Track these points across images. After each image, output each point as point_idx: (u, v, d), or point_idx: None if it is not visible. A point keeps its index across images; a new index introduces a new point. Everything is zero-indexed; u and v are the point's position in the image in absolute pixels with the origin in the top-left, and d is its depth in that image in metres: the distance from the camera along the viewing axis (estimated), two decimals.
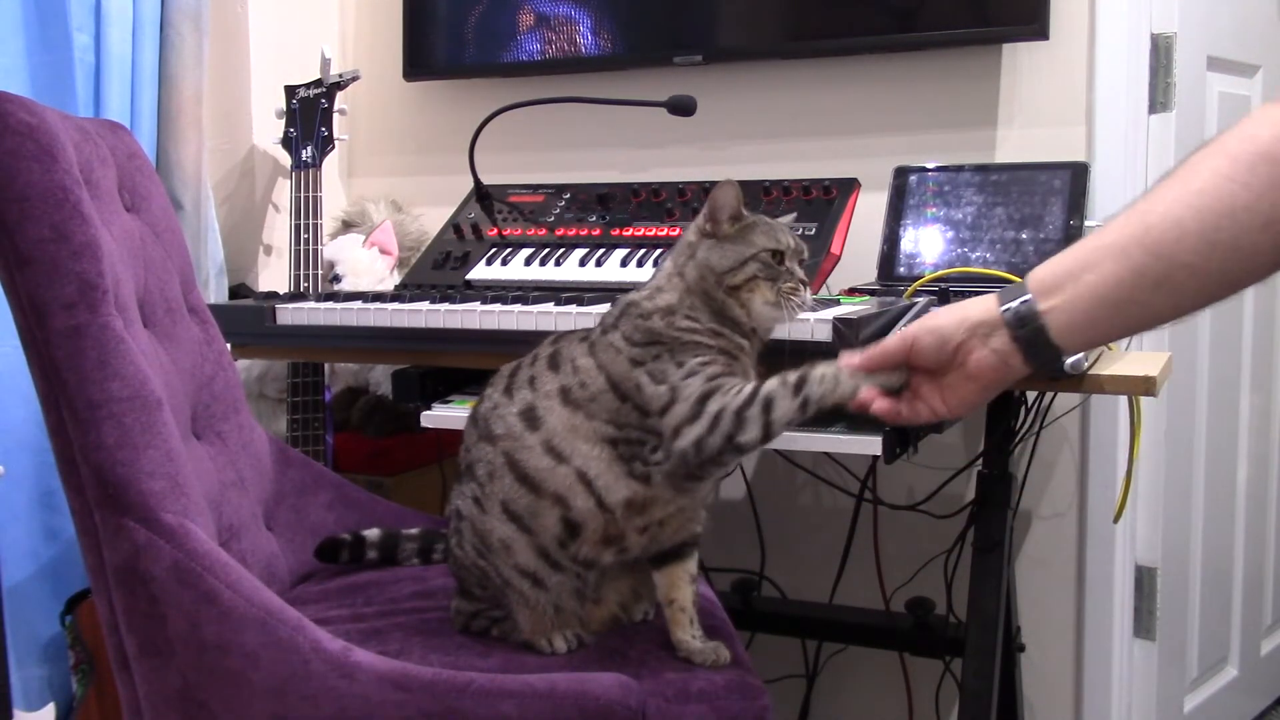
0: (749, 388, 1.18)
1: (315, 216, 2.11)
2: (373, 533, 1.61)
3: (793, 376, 1.18)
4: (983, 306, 1.08)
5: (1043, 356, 1.05)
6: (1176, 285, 0.97)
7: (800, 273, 1.28)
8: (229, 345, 1.62)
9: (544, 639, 1.30)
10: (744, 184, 1.95)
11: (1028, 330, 1.04)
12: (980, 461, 1.73)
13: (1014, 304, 1.05)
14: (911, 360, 1.13)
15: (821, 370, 1.17)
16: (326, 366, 2.12)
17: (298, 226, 2.10)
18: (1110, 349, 1.62)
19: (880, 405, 1.16)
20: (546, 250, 1.98)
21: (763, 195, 1.95)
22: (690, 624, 1.31)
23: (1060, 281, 1.03)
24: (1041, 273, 1.05)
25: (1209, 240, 0.94)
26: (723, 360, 1.23)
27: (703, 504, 1.34)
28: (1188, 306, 1.01)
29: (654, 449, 1.22)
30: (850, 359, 1.16)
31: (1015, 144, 2.07)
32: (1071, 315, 1.03)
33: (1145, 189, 1.00)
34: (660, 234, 1.94)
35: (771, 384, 1.18)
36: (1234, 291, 0.98)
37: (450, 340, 1.66)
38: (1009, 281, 1.72)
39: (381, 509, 1.73)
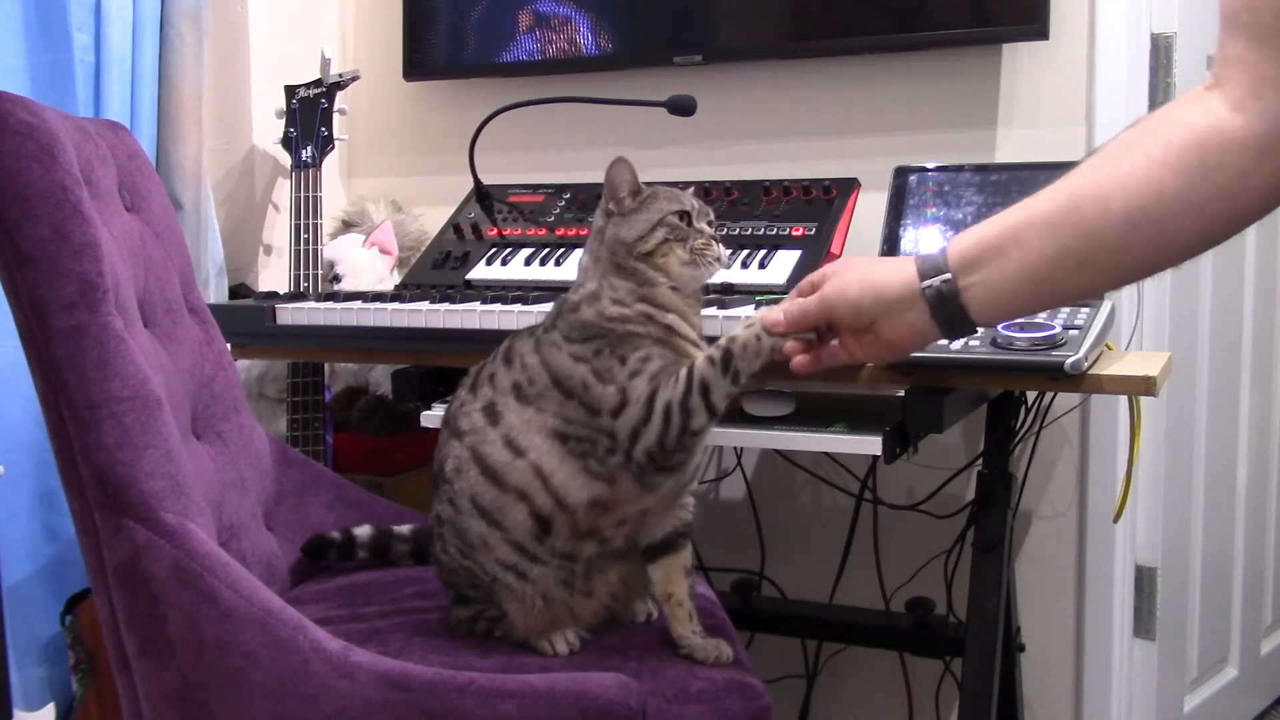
0: (683, 375, 1.22)
1: (315, 216, 2.11)
2: (363, 531, 1.61)
3: (718, 353, 1.22)
4: (900, 281, 1.09)
5: (959, 330, 1.08)
6: (1098, 266, 0.98)
7: (710, 230, 1.32)
8: (229, 345, 1.62)
9: (545, 641, 1.30)
10: (744, 184, 1.98)
11: (948, 308, 1.05)
12: (980, 461, 1.73)
13: (935, 282, 1.05)
14: (828, 322, 1.18)
15: (743, 339, 1.22)
16: (326, 366, 2.12)
17: (298, 226, 2.10)
18: (1110, 348, 1.62)
19: (800, 360, 1.22)
20: (546, 250, 1.98)
21: (763, 195, 1.95)
22: (689, 619, 1.31)
23: (983, 257, 1.03)
24: (964, 244, 1.05)
25: (1133, 223, 0.94)
26: (658, 351, 1.25)
27: (687, 491, 1.34)
28: (1103, 286, 1.03)
29: (610, 450, 1.24)
30: (771, 316, 1.21)
31: (1015, 144, 2.07)
32: (993, 293, 1.03)
33: (1079, 162, 1.00)
34: None
35: (701, 366, 1.22)
36: (1149, 275, 0.99)
37: (450, 340, 1.66)
38: None
39: (381, 509, 1.73)
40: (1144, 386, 1.42)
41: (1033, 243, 0.99)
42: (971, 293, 1.04)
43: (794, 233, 1.86)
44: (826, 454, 2.11)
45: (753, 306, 1.52)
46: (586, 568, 1.32)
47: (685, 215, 1.30)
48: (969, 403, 1.62)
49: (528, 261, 1.96)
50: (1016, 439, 1.79)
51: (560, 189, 2.12)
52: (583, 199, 2.08)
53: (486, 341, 1.61)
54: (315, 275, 2.08)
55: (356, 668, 1.17)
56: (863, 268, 1.16)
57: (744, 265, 1.80)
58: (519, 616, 1.30)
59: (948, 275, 1.05)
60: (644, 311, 1.26)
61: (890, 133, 2.16)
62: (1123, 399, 1.95)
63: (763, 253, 1.83)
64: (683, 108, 1.97)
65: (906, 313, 1.09)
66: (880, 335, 1.13)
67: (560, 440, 1.26)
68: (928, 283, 1.06)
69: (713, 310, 1.52)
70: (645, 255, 1.28)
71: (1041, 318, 1.49)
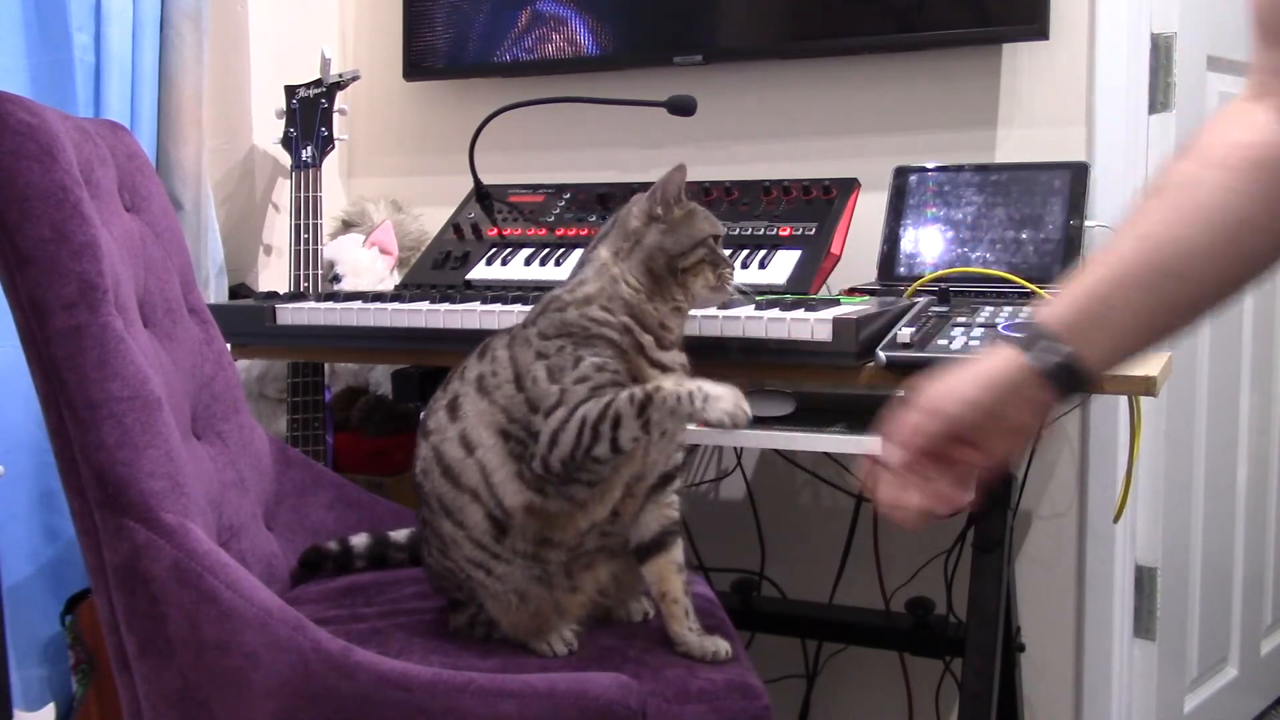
0: (606, 399, 1.21)
1: (315, 216, 2.11)
2: (360, 540, 1.61)
3: (640, 395, 1.20)
4: (1004, 363, 0.99)
5: (1078, 391, 1.01)
6: (1195, 302, 0.97)
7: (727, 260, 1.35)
8: (229, 345, 1.62)
9: (543, 642, 1.30)
10: (744, 184, 1.98)
11: (1064, 375, 0.99)
12: None
13: (1054, 360, 0.98)
14: (938, 438, 1.01)
15: (666, 393, 1.19)
16: (326, 366, 2.12)
17: (298, 226, 2.10)
18: None
19: (912, 513, 0.99)
20: (546, 250, 1.98)
21: (763, 195, 1.95)
22: (686, 616, 1.31)
23: (1086, 323, 0.98)
24: (1063, 316, 0.99)
25: (1222, 253, 0.93)
26: (615, 365, 1.24)
27: (671, 491, 1.34)
28: (1201, 317, 1.00)
29: (533, 455, 1.24)
30: (885, 451, 1.00)
31: (1015, 144, 2.07)
32: (1108, 356, 1.00)
33: (1134, 205, 0.98)
34: None
35: (623, 399, 1.20)
36: (1241, 294, 0.98)
37: (450, 340, 1.66)
38: (1009, 281, 1.73)
39: (381, 509, 1.73)
40: (1144, 386, 1.42)
41: (1134, 298, 0.97)
42: (1089, 362, 1.01)
43: (794, 233, 1.86)
44: (826, 454, 2.11)
45: (753, 306, 1.52)
46: (566, 567, 1.31)
47: (718, 240, 1.33)
48: None
49: (528, 261, 1.96)
50: None
51: (560, 189, 2.12)
52: (583, 199, 2.08)
53: None
54: (315, 275, 2.08)
55: (356, 668, 1.17)
56: (948, 375, 1.03)
57: (744, 265, 1.80)
58: (500, 614, 1.30)
59: (1067, 350, 1.00)
60: (626, 324, 1.27)
61: (890, 133, 2.16)
62: (1123, 399, 1.95)
63: (763, 253, 1.83)
64: (683, 108, 1.97)
65: (1023, 389, 1.02)
66: (1004, 423, 1.01)
67: (504, 438, 1.27)
68: (1045, 363, 1.01)
69: (713, 310, 1.51)
70: (681, 271, 1.30)
71: None
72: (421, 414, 1.37)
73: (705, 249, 1.31)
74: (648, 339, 1.28)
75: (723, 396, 1.19)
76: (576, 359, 1.24)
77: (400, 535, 1.63)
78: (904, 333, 1.47)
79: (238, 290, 2.24)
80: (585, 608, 1.34)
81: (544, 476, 1.24)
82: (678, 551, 1.34)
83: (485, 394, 1.28)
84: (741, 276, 1.77)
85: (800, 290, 1.74)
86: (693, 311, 1.38)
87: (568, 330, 1.27)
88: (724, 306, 1.56)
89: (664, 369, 1.28)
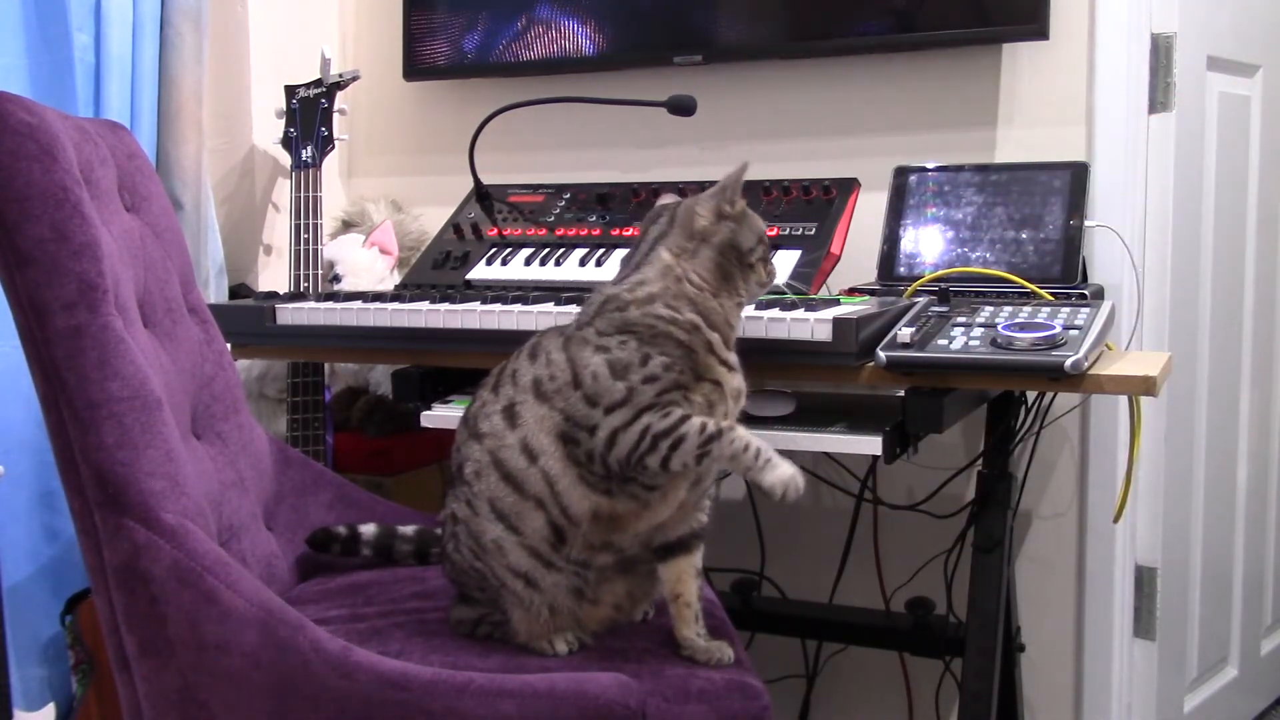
0: (677, 416, 1.21)
1: (315, 216, 2.11)
2: (368, 529, 1.61)
3: (712, 429, 1.21)
4: None
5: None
6: None
7: None
8: (229, 345, 1.62)
9: (545, 641, 1.30)
10: (744, 184, 1.96)
11: None
12: (980, 461, 1.73)
13: None
14: None
15: (739, 442, 1.20)
16: (326, 366, 2.12)
17: (298, 226, 2.10)
18: (1110, 348, 1.62)
19: None
20: (546, 250, 1.98)
21: (763, 195, 1.95)
22: (695, 620, 1.31)
23: None
24: None
25: None
26: (681, 365, 1.23)
27: (705, 495, 1.34)
28: None
29: (589, 454, 1.24)
30: None
31: (1015, 144, 2.07)
32: None
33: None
34: None
35: (693, 425, 1.21)
36: None
37: (450, 340, 1.66)
38: (1009, 281, 1.73)
39: (382, 509, 1.73)
40: (1144, 386, 1.42)
41: None
42: None
43: (794, 233, 1.86)
44: (826, 454, 2.11)
45: (753, 306, 1.52)
46: (598, 576, 1.31)
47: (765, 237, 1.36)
48: (969, 403, 1.62)
49: (528, 261, 1.96)
50: (1016, 439, 1.79)
51: (560, 189, 2.12)
52: (583, 199, 2.08)
53: (486, 341, 1.62)
54: (315, 275, 2.08)
55: (356, 668, 1.17)
56: None
57: None
58: (523, 624, 1.30)
59: None
60: (694, 322, 1.26)
61: (890, 133, 2.16)
62: (1123, 399, 1.95)
63: None
64: (683, 108, 1.97)
65: None
66: None
67: (563, 442, 1.25)
68: None
69: None
70: (748, 266, 1.32)
71: (1041, 317, 1.49)
72: (465, 413, 1.34)
73: (764, 245, 1.34)
74: (715, 336, 1.27)
75: (782, 466, 1.20)
76: (645, 356, 1.23)
77: (409, 529, 1.63)
78: (904, 333, 1.47)
79: (238, 290, 2.24)
80: (602, 622, 1.35)
81: (604, 475, 1.24)
82: (698, 556, 1.34)
83: (544, 399, 1.26)
84: None
85: (800, 290, 1.74)
86: None
87: (631, 328, 1.25)
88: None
89: (729, 367, 1.28)
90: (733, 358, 1.30)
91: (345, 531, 1.60)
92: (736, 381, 1.29)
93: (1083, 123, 2.03)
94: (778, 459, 1.20)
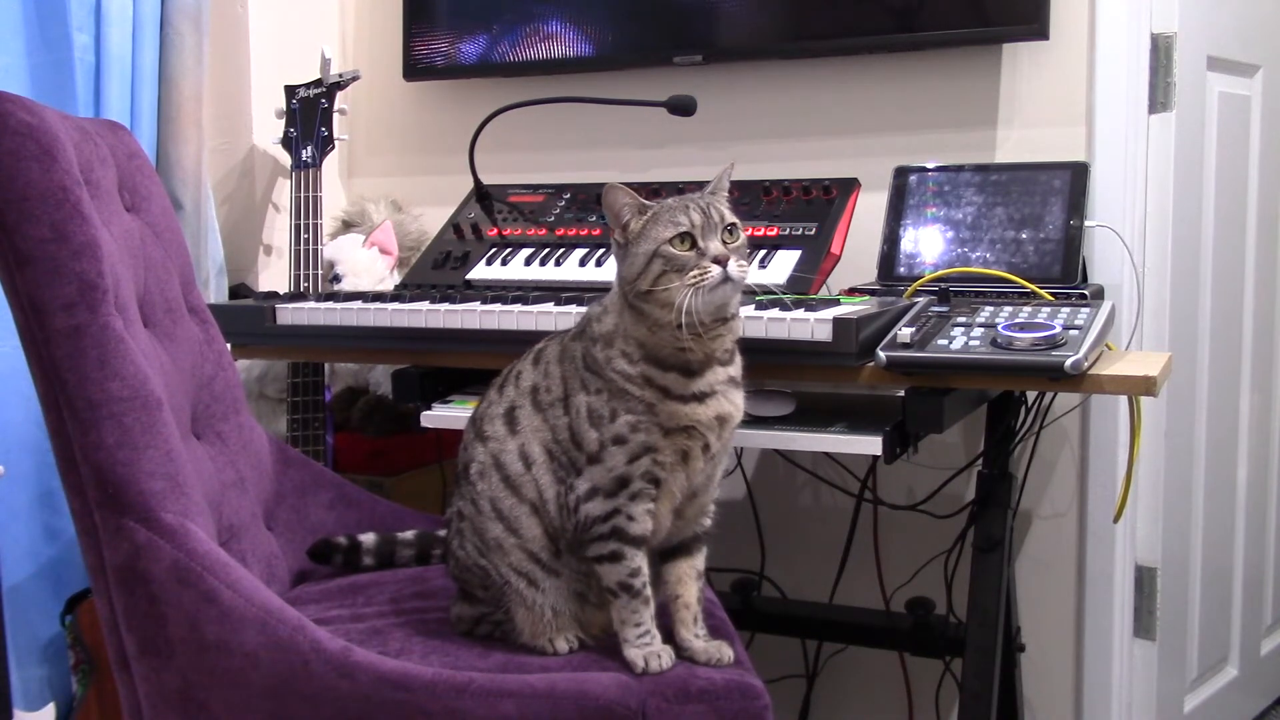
0: (624, 540, 1.23)
1: (315, 216, 2.11)
2: (369, 538, 1.61)
3: (638, 583, 1.24)
4: None
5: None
6: None
7: (718, 248, 1.18)
8: (229, 345, 1.62)
9: (545, 640, 1.30)
10: (744, 184, 1.97)
11: None
12: (980, 461, 1.73)
13: None
14: None
15: (643, 612, 1.25)
16: (326, 366, 2.12)
17: (298, 226, 2.10)
18: (1110, 348, 1.62)
19: None
20: (546, 250, 1.98)
21: (763, 195, 1.95)
22: (695, 622, 1.31)
23: None
24: None
25: None
26: (645, 422, 1.21)
27: (711, 498, 1.34)
28: None
29: (570, 489, 1.25)
30: None
31: (1015, 144, 2.07)
32: None
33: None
34: None
35: (630, 563, 1.23)
36: None
37: (450, 340, 1.66)
38: (1009, 281, 1.73)
39: (382, 509, 1.73)
40: (1144, 386, 1.42)
41: None
42: None
43: (794, 233, 1.86)
44: (826, 454, 2.11)
45: (753, 306, 1.52)
46: (600, 580, 1.31)
47: (686, 237, 1.17)
48: (969, 403, 1.62)
49: (528, 261, 1.96)
50: (1016, 439, 1.79)
51: (560, 189, 2.12)
52: (583, 199, 2.08)
53: (486, 342, 1.62)
54: (315, 275, 2.08)
55: (356, 668, 1.17)
56: None
57: None
58: (525, 624, 1.30)
59: None
60: (645, 374, 1.21)
61: (890, 133, 2.16)
62: (1123, 399, 1.95)
63: (763, 253, 1.83)
64: (683, 108, 1.97)
65: None
66: None
67: (550, 456, 1.27)
68: None
69: None
70: (645, 294, 1.18)
71: (1041, 317, 1.49)
72: (474, 412, 1.35)
73: (661, 259, 1.16)
74: (670, 378, 1.20)
75: (648, 649, 1.24)
76: (613, 411, 1.22)
77: (409, 535, 1.63)
78: (904, 333, 1.47)
79: (238, 290, 2.24)
80: (606, 629, 1.34)
81: (571, 514, 1.26)
82: (701, 559, 1.34)
83: (540, 410, 1.28)
84: None
85: (800, 290, 1.74)
86: None
87: (600, 372, 1.23)
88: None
89: (700, 398, 1.21)
90: (710, 378, 1.22)
91: (346, 542, 1.60)
92: (717, 408, 1.22)
93: (1083, 123, 2.03)
94: (654, 644, 1.24)
